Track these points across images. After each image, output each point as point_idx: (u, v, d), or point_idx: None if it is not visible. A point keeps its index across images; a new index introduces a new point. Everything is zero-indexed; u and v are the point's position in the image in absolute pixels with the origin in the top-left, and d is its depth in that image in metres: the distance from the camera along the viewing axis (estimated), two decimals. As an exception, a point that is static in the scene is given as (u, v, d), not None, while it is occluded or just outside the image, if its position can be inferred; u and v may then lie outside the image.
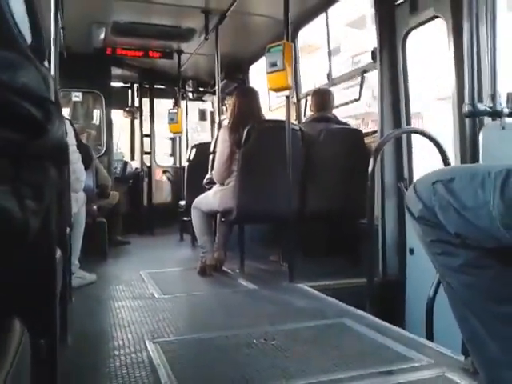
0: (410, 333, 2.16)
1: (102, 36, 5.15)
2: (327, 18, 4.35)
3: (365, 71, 3.85)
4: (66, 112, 6.02)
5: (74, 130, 3.49)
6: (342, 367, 1.75)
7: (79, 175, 3.26)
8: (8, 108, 0.72)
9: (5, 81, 0.73)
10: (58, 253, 1.58)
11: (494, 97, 1.65)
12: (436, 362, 1.76)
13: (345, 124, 3.97)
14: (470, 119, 1.64)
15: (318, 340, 2.08)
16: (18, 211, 0.71)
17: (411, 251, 3.19)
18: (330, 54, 4.49)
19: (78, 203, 3.42)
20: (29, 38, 1.09)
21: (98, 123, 6.55)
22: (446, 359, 1.80)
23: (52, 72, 2.31)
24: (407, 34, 3.23)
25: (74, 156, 3.14)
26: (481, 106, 1.61)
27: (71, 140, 3.10)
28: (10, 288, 0.84)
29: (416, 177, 3.30)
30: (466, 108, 1.60)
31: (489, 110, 1.64)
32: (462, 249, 1.06)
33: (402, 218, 3.28)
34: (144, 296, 3.00)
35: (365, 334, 2.13)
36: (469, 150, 1.65)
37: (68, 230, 2.49)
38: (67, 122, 3.12)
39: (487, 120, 1.87)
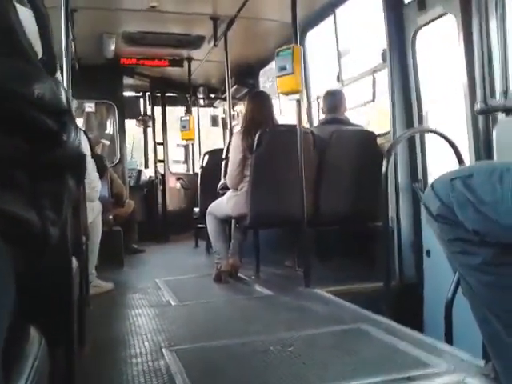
0: (429, 337, 2.12)
1: (113, 46, 5.21)
2: (335, 19, 4.35)
3: (375, 71, 3.83)
4: (79, 123, 6.09)
5: (89, 140, 3.53)
6: (361, 373, 1.72)
7: (95, 185, 3.29)
8: (25, 120, 0.73)
9: (21, 93, 0.74)
10: (75, 262, 1.59)
11: (506, 93, 1.63)
12: (456, 368, 1.73)
13: (357, 125, 3.94)
14: (483, 116, 1.61)
15: (336, 346, 2.05)
16: (37, 221, 0.72)
17: (428, 253, 3.15)
18: (339, 54, 4.47)
19: (94, 213, 3.46)
20: (39, 51, 1.10)
21: (111, 133, 6.62)
22: (465, 364, 1.76)
23: (64, 83, 2.33)
24: (416, 32, 3.21)
25: (89, 166, 3.17)
26: (493, 103, 1.58)
27: (86, 150, 3.14)
28: (27, 297, 0.84)
29: (431, 177, 3.26)
30: (479, 105, 1.58)
31: (501, 106, 1.62)
32: (481, 247, 1.04)
33: (417, 220, 3.24)
34: (160, 304, 3.01)
35: (382, 339, 2.11)
36: (483, 147, 1.63)
37: (84, 239, 2.52)
38: (81, 133, 3.15)
39: (500, 116, 1.84)
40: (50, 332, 0.84)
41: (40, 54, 1.11)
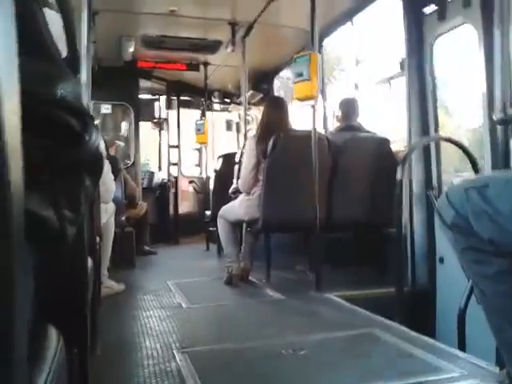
0: (441, 343, 2.11)
1: (131, 49, 5.26)
2: (353, 27, 4.35)
3: (391, 79, 3.82)
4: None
5: (104, 141, 3.57)
6: (373, 378, 1.72)
7: (109, 186, 3.32)
8: (48, 119, 0.75)
9: (44, 93, 0.76)
10: (90, 262, 1.61)
11: (526, 103, 1.62)
12: (469, 374, 1.71)
13: (371, 132, 3.93)
14: (502, 126, 1.61)
15: (347, 350, 2.05)
16: (55, 220, 0.73)
17: (441, 260, 3.13)
18: (357, 62, 4.47)
19: (108, 213, 3.49)
20: (64, 52, 1.12)
21: (126, 135, 6.68)
22: (479, 371, 1.74)
23: (84, 85, 2.36)
24: (435, 41, 3.20)
25: (104, 167, 3.20)
26: (512, 112, 1.57)
27: (102, 151, 3.17)
28: (45, 296, 0.86)
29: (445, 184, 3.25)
30: (498, 115, 1.57)
31: (521, 116, 1.60)
32: (495, 256, 1.04)
33: (431, 227, 3.22)
34: (171, 306, 3.02)
35: (395, 344, 2.10)
36: (501, 156, 1.62)
37: (98, 239, 2.54)
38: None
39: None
40: (67, 331, 0.85)
41: (63, 54, 1.13)
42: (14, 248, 0.39)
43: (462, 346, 2.08)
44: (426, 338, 2.16)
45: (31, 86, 0.77)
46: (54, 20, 1.06)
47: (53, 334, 0.81)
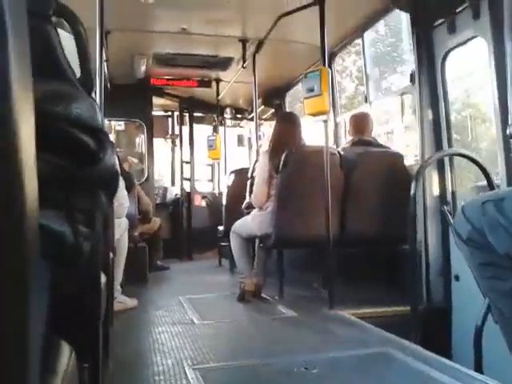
0: (457, 364, 2.06)
1: (144, 67, 5.35)
2: (363, 42, 4.38)
3: (403, 93, 3.82)
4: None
5: (118, 157, 3.60)
6: (387, 398, 1.68)
7: (123, 201, 3.34)
8: (64, 138, 0.76)
9: (60, 112, 0.77)
10: (103, 277, 1.61)
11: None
12: (486, 396, 1.68)
13: (385, 147, 3.92)
14: (516, 140, 1.59)
15: (361, 369, 2.01)
16: (70, 236, 0.74)
17: (456, 278, 3.08)
18: (367, 77, 4.48)
19: (121, 229, 3.50)
20: (77, 72, 1.14)
21: (140, 151, 6.75)
22: (497, 393, 1.71)
23: (97, 103, 2.40)
24: (446, 54, 3.20)
25: (119, 183, 3.22)
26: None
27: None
28: (59, 310, 0.86)
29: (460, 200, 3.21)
30: (511, 129, 1.55)
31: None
32: None
33: (446, 243, 3.18)
34: (183, 322, 3.01)
35: (409, 364, 2.05)
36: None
37: (111, 255, 2.55)
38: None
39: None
40: (79, 346, 0.85)
41: (78, 74, 1.15)
42: (29, 264, 0.39)
43: (478, 367, 2.03)
44: (441, 359, 2.11)
45: (47, 105, 0.78)
46: (67, 41, 1.09)
47: (65, 348, 0.81)
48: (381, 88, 5.03)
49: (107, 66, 4.24)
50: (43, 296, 0.75)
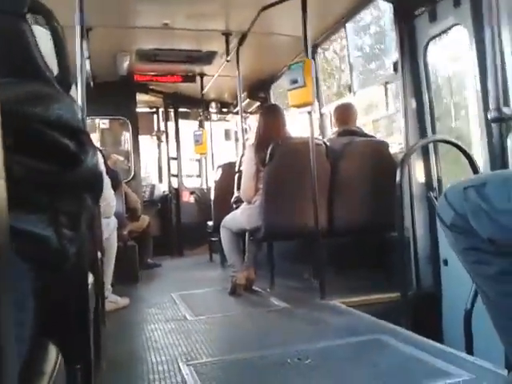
0: (449, 347, 2.09)
1: (127, 63, 5.29)
2: (346, 33, 4.38)
3: (387, 82, 3.83)
4: (94, 138, 6.17)
5: (103, 156, 3.57)
6: (380, 385, 1.70)
7: (109, 201, 3.32)
8: (42, 140, 0.75)
9: (38, 114, 0.76)
10: (91, 278, 1.60)
11: (520, 100, 1.62)
12: (478, 377, 1.70)
13: (371, 136, 3.94)
14: (497, 124, 1.60)
15: (354, 357, 2.03)
16: (55, 239, 0.73)
17: (445, 262, 3.11)
18: (351, 66, 4.49)
19: (109, 228, 3.48)
20: (55, 70, 1.12)
21: (125, 149, 6.70)
22: (488, 374, 1.73)
23: (79, 101, 2.37)
24: (428, 43, 3.21)
25: (104, 182, 3.20)
26: (507, 111, 1.57)
27: (101, 166, 3.17)
28: (45, 313, 0.85)
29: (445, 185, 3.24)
30: (492, 113, 1.57)
31: (515, 113, 1.60)
32: (497, 256, 1.03)
33: (433, 229, 3.21)
34: (176, 318, 3.01)
35: (401, 349, 2.08)
36: (498, 155, 1.61)
37: (100, 255, 2.53)
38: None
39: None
40: (67, 348, 0.85)
41: (55, 72, 1.13)
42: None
43: (469, 349, 2.06)
44: (433, 343, 2.14)
45: (26, 107, 0.77)
46: (43, 37, 1.07)
47: (52, 350, 0.80)
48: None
49: (90, 64, 4.19)
50: (29, 300, 0.74)
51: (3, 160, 0.42)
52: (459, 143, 2.79)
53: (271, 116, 3.65)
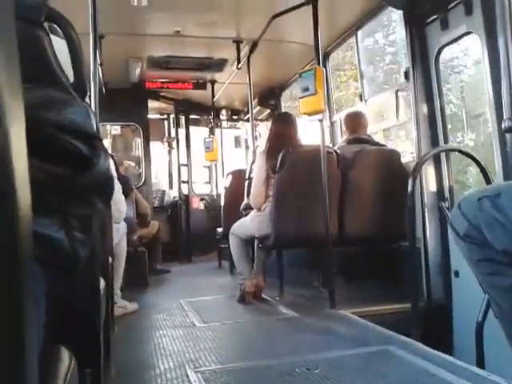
0: (459, 360, 2.06)
1: (138, 70, 5.34)
2: (357, 41, 4.38)
3: (398, 90, 3.82)
4: (105, 144, 6.21)
5: (114, 162, 3.60)
6: (390, 396, 1.68)
7: (120, 206, 3.34)
8: (56, 144, 0.75)
9: (51, 118, 0.77)
10: (102, 283, 1.61)
11: (534, 110, 1.60)
12: (489, 391, 1.67)
13: (381, 145, 3.92)
14: (511, 134, 1.59)
15: (363, 368, 2.01)
16: (66, 242, 0.73)
17: (456, 274, 3.08)
18: (361, 74, 4.49)
19: (119, 233, 3.50)
20: (71, 77, 1.14)
21: (136, 155, 6.75)
22: (499, 388, 1.70)
23: (92, 107, 2.40)
24: (440, 51, 3.20)
25: (115, 187, 3.22)
26: (521, 121, 1.56)
27: (113, 172, 3.19)
28: (57, 317, 0.86)
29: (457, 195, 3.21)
30: (506, 123, 1.56)
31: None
32: (510, 267, 1.02)
33: (445, 240, 3.18)
34: (185, 325, 3.01)
35: (411, 361, 2.05)
36: (511, 165, 1.60)
37: (110, 260, 2.54)
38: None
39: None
40: (79, 353, 0.85)
41: (71, 79, 1.15)
42: (23, 269, 0.39)
43: (480, 363, 2.03)
44: (443, 355, 2.10)
45: (40, 112, 0.78)
46: (60, 46, 1.08)
47: (66, 354, 0.80)
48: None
49: (102, 71, 4.23)
50: (41, 303, 0.74)
51: (27, 166, 0.42)
52: (472, 153, 2.77)
53: (283, 124, 3.65)
